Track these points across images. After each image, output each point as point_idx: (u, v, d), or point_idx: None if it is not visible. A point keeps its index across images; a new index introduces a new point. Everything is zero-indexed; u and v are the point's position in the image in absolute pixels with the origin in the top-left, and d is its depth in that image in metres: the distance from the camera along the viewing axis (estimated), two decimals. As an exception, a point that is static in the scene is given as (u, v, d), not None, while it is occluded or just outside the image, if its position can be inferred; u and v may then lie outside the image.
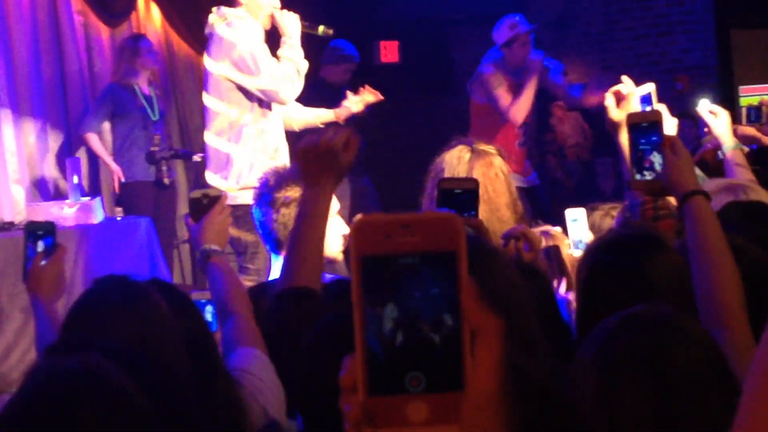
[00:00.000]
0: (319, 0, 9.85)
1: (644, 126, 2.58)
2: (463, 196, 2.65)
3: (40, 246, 3.04)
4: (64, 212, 6.80)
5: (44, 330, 2.93)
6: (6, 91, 8.10)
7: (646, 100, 3.44)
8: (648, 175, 2.55)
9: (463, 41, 10.69)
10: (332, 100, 7.51)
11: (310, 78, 8.57)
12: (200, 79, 9.41)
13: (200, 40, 9.87)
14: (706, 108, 4.15)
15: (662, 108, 3.75)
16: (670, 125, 3.80)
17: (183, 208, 8.86)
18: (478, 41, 9.25)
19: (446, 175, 3.32)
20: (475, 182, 2.79)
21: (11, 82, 8.07)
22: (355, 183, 7.62)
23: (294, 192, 3.37)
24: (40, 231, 3.07)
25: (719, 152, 4.33)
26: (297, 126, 6.33)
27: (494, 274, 2.04)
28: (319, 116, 6.47)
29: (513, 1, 10.93)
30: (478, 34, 11.28)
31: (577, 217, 3.92)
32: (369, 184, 8.05)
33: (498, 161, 3.45)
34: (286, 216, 3.38)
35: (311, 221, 2.49)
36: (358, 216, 1.00)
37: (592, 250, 2.55)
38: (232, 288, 2.80)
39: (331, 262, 3.66)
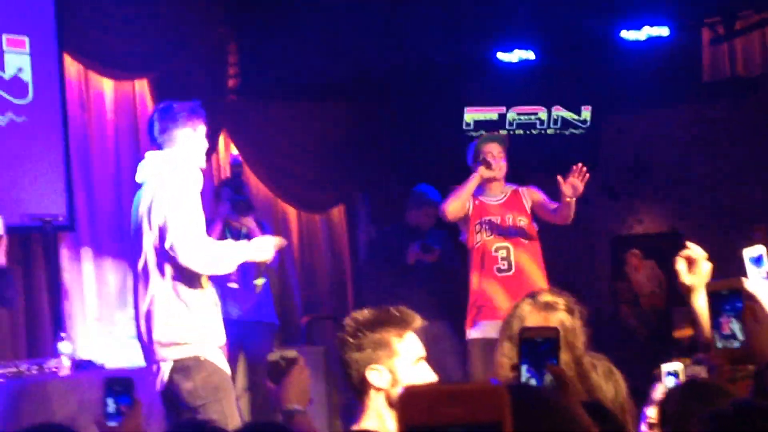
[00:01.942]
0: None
1: (724, 294, 2.56)
2: (545, 344, 2.66)
3: (111, 405, 3.04)
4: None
5: None
6: (87, 228, 8.29)
7: (756, 261, 3.40)
8: (729, 343, 2.53)
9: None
10: (416, 242, 7.58)
11: (396, 222, 8.72)
12: (278, 221, 9.58)
13: (278, 183, 10.07)
14: None
15: None
16: None
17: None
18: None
19: (508, 329, 3.33)
20: (556, 331, 2.80)
21: (93, 220, 8.26)
22: (433, 327, 7.54)
23: (367, 339, 3.38)
24: (118, 387, 3.09)
25: None
26: None
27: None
28: None
29: (585, 149, 11.01)
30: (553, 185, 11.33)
31: (674, 371, 3.86)
32: (449, 328, 7.96)
33: (559, 316, 3.43)
34: (358, 362, 3.39)
35: None
36: (405, 386, 1.02)
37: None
38: None
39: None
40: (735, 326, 2.52)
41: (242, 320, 7.62)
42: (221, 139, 9.74)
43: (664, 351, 7.81)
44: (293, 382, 3.06)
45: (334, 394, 8.65)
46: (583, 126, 10.90)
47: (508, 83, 10.44)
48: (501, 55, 9.66)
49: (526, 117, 10.84)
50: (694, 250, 3.17)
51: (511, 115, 10.79)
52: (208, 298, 4.94)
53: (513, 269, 6.70)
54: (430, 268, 7.89)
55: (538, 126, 10.89)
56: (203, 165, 5.08)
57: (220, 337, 4.96)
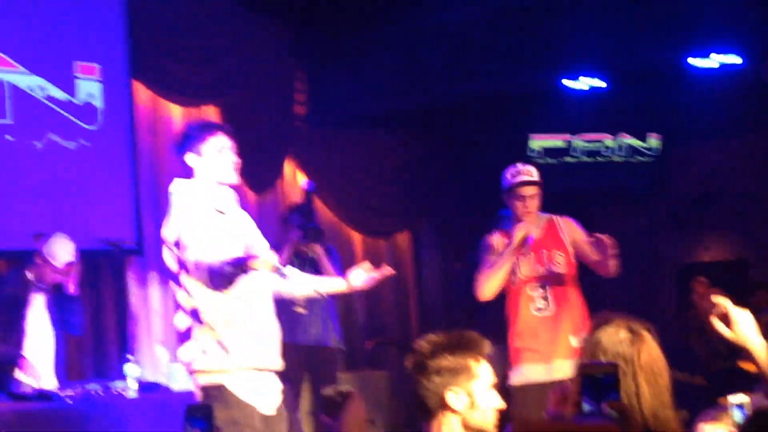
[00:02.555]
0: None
1: None
2: (605, 379, 2.64)
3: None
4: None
5: None
6: (155, 253, 8.37)
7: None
8: None
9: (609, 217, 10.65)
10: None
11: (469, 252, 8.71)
12: (343, 246, 9.60)
13: (344, 208, 10.11)
14: None
15: None
16: None
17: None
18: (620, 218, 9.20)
19: (604, 356, 3.22)
20: (616, 366, 2.78)
21: (160, 245, 8.33)
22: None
23: (447, 361, 3.39)
24: (198, 414, 3.14)
25: None
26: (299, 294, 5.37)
27: None
28: (327, 285, 5.34)
29: (651, 177, 10.96)
30: (619, 213, 11.27)
31: (740, 403, 3.78)
32: None
33: (650, 337, 3.36)
34: (437, 384, 3.39)
35: None
36: (516, 418, 1.02)
37: None
38: None
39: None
40: None
41: (309, 344, 7.65)
42: (289, 167, 9.82)
43: (735, 381, 7.68)
44: (350, 416, 3.08)
45: (399, 417, 8.64)
46: (650, 153, 10.83)
47: (575, 110, 10.42)
48: (567, 83, 9.63)
49: (592, 144, 10.81)
50: (722, 304, 3.05)
51: (577, 142, 10.76)
52: (238, 321, 4.87)
53: (553, 308, 6.22)
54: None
55: (604, 153, 10.85)
56: (227, 179, 5.05)
57: (257, 360, 4.83)
